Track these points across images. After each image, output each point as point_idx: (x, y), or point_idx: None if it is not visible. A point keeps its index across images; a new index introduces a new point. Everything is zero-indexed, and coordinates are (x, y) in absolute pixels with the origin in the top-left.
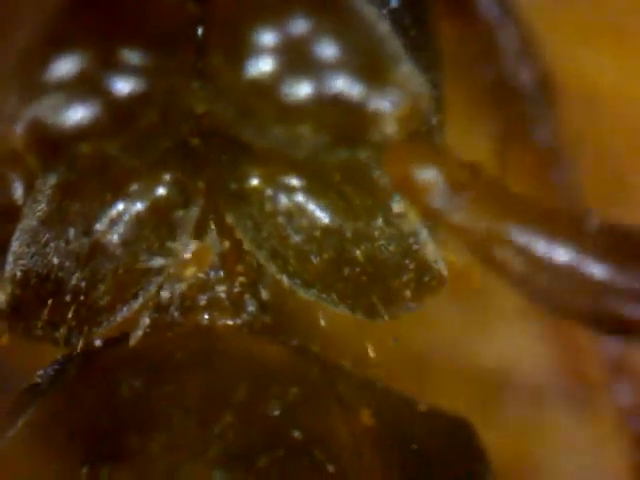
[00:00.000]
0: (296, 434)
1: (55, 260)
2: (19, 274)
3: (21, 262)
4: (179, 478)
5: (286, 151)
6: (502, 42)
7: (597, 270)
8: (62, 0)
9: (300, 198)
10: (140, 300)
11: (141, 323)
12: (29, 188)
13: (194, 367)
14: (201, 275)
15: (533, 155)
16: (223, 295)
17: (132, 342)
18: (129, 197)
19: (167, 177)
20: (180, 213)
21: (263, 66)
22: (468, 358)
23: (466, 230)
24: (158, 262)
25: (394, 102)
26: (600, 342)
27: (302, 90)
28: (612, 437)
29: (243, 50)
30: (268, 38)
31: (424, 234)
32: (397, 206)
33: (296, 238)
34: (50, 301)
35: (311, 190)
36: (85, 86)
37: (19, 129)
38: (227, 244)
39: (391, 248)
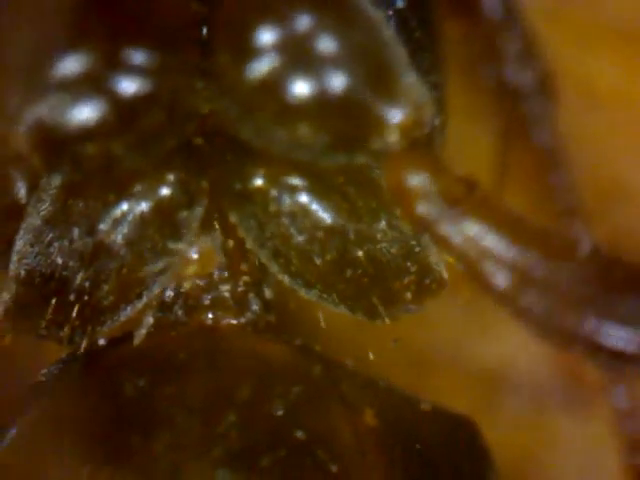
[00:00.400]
0: (299, 434)
1: (59, 259)
2: (23, 273)
3: (25, 261)
4: (182, 477)
5: (285, 153)
6: (505, 43)
7: (582, 295)
8: (67, 0)
9: (304, 199)
10: (144, 300)
11: (145, 322)
12: (33, 187)
13: (198, 366)
14: (205, 275)
15: (533, 156)
16: (227, 294)
17: (136, 341)
18: (133, 197)
19: (171, 177)
20: (184, 213)
21: (268, 65)
22: (469, 358)
23: (454, 242)
24: (162, 262)
25: (398, 112)
26: None
27: (305, 90)
28: (612, 436)
29: (249, 49)
30: (273, 37)
31: (426, 237)
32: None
33: (299, 238)
34: (54, 300)
35: (315, 191)
36: (89, 86)
37: (23, 129)
38: (231, 244)
39: (393, 250)
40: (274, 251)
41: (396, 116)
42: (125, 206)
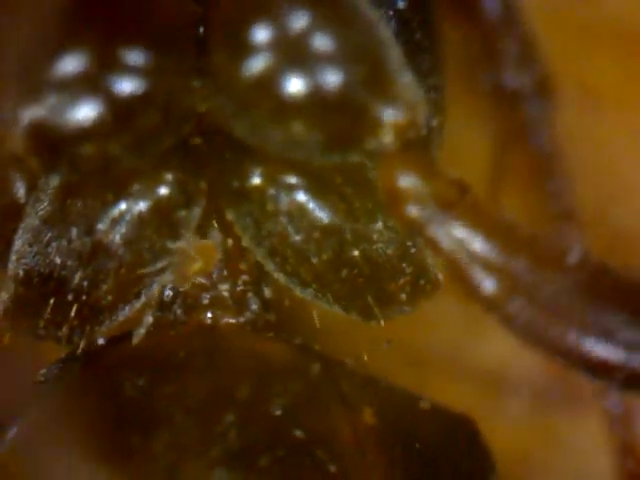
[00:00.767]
0: (298, 433)
1: (57, 259)
2: (22, 273)
3: (24, 261)
4: (181, 477)
5: (280, 151)
6: (504, 45)
7: (569, 304)
8: (62, 0)
9: (301, 198)
10: (143, 299)
11: (144, 322)
12: (32, 188)
13: (197, 366)
14: (205, 274)
15: (530, 159)
16: (226, 294)
17: (135, 341)
18: (131, 197)
19: (169, 177)
20: (182, 212)
21: (264, 63)
22: (468, 359)
23: (443, 246)
24: (160, 262)
25: (393, 112)
26: None
27: (300, 88)
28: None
29: (245, 47)
30: (270, 35)
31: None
32: None
33: (295, 237)
34: (52, 300)
35: (312, 190)
36: (86, 86)
37: (20, 130)
38: (230, 243)
39: (389, 251)
40: (270, 250)
41: (391, 116)
42: (123, 206)
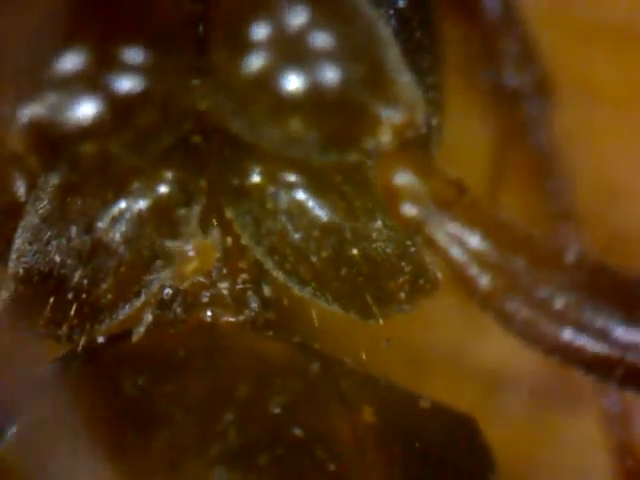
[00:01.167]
0: (297, 432)
1: (57, 258)
2: (22, 272)
3: (24, 259)
4: (180, 475)
5: (277, 149)
6: (504, 45)
7: (566, 303)
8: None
9: (301, 196)
10: (142, 298)
11: (144, 320)
12: (32, 186)
13: (196, 364)
14: (204, 272)
15: (529, 158)
16: (225, 292)
17: (134, 339)
18: (131, 195)
19: (169, 175)
20: (182, 211)
21: (265, 60)
22: (468, 358)
23: (441, 245)
24: (160, 260)
25: (392, 112)
26: None
27: (299, 85)
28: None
29: (246, 44)
30: (270, 33)
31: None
32: None
33: (295, 235)
34: (52, 298)
35: (312, 189)
36: (85, 85)
37: (19, 129)
38: (229, 241)
39: (388, 250)
40: (270, 248)
41: (390, 116)
42: (123, 204)
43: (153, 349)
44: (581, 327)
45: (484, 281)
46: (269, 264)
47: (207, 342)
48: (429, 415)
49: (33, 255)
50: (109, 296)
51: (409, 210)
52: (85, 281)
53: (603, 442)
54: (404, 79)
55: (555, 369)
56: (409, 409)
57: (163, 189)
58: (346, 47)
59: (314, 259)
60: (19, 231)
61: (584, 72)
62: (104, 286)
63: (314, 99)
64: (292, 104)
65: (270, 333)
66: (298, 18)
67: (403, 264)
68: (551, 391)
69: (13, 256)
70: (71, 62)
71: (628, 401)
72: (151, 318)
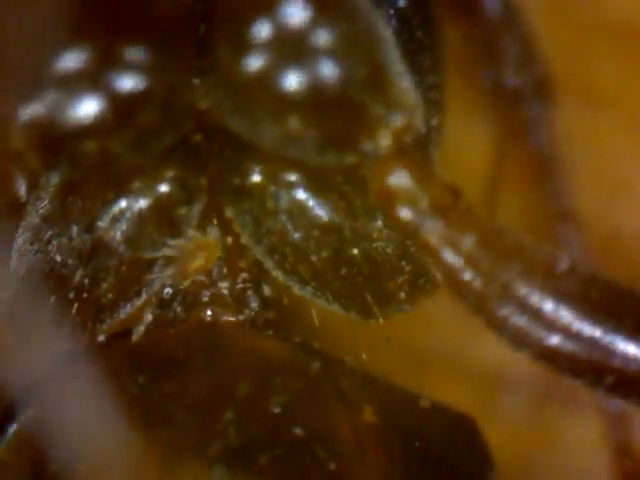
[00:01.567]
0: (298, 431)
1: (58, 257)
2: (23, 271)
3: (25, 259)
4: (181, 475)
5: (275, 147)
6: (504, 44)
7: (557, 311)
8: None
9: (301, 196)
10: (143, 297)
11: (144, 319)
12: (32, 186)
13: (196, 363)
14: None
15: (530, 158)
16: (226, 291)
17: (134, 338)
18: (132, 194)
19: (170, 174)
20: (183, 210)
21: (267, 58)
22: (468, 358)
23: (435, 250)
24: (161, 259)
25: (393, 115)
26: None
27: (300, 84)
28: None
29: (248, 44)
30: (272, 32)
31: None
32: None
33: (295, 235)
34: (53, 298)
35: (312, 188)
36: (86, 83)
37: (19, 128)
38: (229, 240)
39: (388, 249)
40: (270, 247)
41: (391, 120)
42: (123, 203)
43: (153, 348)
44: (571, 335)
45: (477, 287)
46: (269, 263)
47: (207, 341)
48: (429, 415)
49: (34, 254)
50: (110, 295)
51: (404, 214)
52: (86, 280)
53: (602, 442)
54: (404, 82)
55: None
56: (409, 409)
57: (164, 188)
58: (349, 47)
59: (314, 259)
60: (20, 230)
61: (584, 72)
62: (105, 285)
63: (315, 99)
64: (292, 103)
65: (270, 332)
66: (300, 17)
67: (403, 264)
68: (550, 391)
69: (14, 256)
70: (72, 60)
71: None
72: (151, 317)
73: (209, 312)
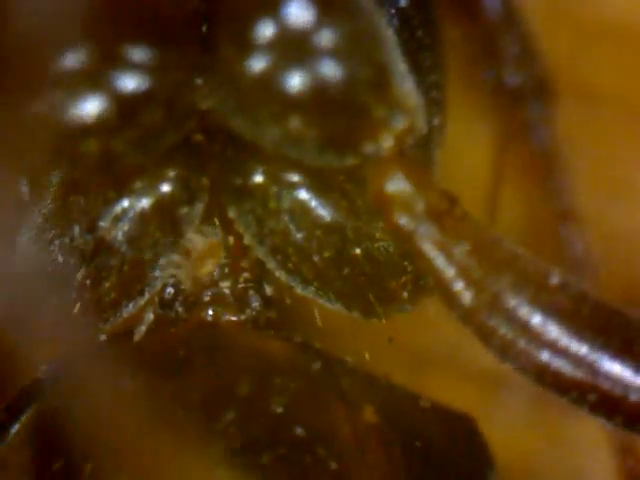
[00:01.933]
0: (299, 431)
1: (60, 257)
2: (24, 271)
3: (27, 259)
4: (182, 475)
5: (276, 147)
6: (504, 43)
7: (545, 325)
8: None
9: (303, 196)
10: (145, 297)
11: (145, 319)
12: (34, 185)
13: (198, 363)
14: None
15: (530, 158)
16: (227, 291)
17: (136, 338)
18: (134, 194)
19: (172, 174)
20: (184, 210)
21: (271, 58)
22: (468, 358)
23: (428, 256)
24: (163, 259)
25: (396, 118)
26: None
27: (302, 83)
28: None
29: (251, 44)
30: (276, 32)
31: None
32: None
33: (297, 235)
34: (55, 298)
35: (314, 188)
36: (89, 83)
37: (22, 127)
38: (231, 240)
39: (390, 249)
40: (272, 247)
41: (393, 121)
42: (126, 203)
43: (154, 348)
44: (557, 351)
45: (467, 297)
46: (271, 263)
47: (208, 341)
48: (429, 415)
49: (36, 254)
50: (112, 295)
51: (400, 219)
52: (88, 280)
53: (603, 442)
54: (407, 83)
55: None
56: (410, 409)
57: (165, 188)
58: (352, 48)
59: (316, 258)
60: (22, 230)
61: (584, 72)
62: (107, 285)
63: (317, 99)
64: (295, 104)
65: (272, 332)
66: (303, 18)
67: (405, 263)
68: (551, 394)
69: (16, 255)
70: (75, 59)
71: None
72: (152, 317)
73: (210, 312)
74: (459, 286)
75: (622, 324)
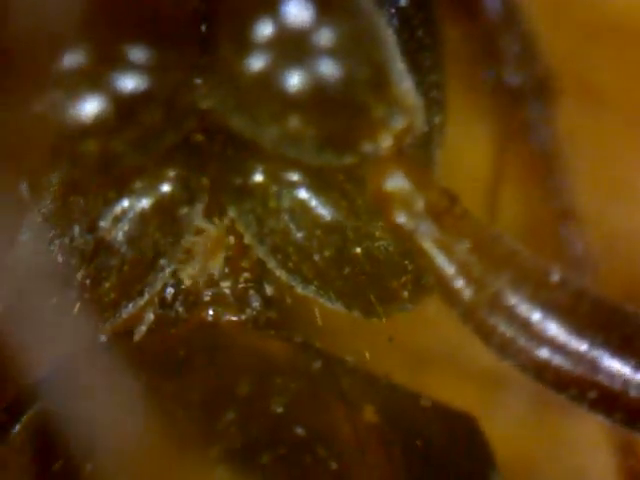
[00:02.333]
0: (299, 431)
1: (60, 257)
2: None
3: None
4: (182, 475)
5: (275, 147)
6: (505, 43)
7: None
8: None
9: (303, 195)
10: (146, 297)
11: (145, 319)
12: (35, 185)
13: (198, 363)
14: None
15: (531, 157)
16: (227, 291)
17: (136, 338)
18: (134, 194)
19: (172, 173)
20: (184, 210)
21: (270, 57)
22: (467, 358)
23: (428, 254)
24: (163, 259)
25: (395, 117)
26: None
27: (302, 83)
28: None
29: (250, 43)
30: (275, 31)
31: None
32: None
33: (297, 234)
34: (55, 298)
35: (314, 188)
36: (89, 83)
37: (22, 127)
38: (231, 240)
39: (391, 248)
40: (272, 247)
41: (392, 121)
42: (125, 203)
43: (154, 348)
44: (557, 348)
45: (467, 294)
46: (272, 263)
47: (208, 341)
48: (430, 414)
49: (36, 255)
50: (112, 295)
51: (400, 218)
52: (88, 280)
53: (604, 441)
54: (406, 83)
55: None
56: (410, 408)
57: (165, 188)
58: (351, 47)
59: (317, 258)
60: (22, 230)
61: (584, 72)
62: (107, 285)
63: (316, 99)
64: (294, 103)
65: (272, 332)
66: (302, 17)
67: (406, 263)
68: (550, 391)
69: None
70: (75, 60)
71: None
72: (152, 317)
73: (211, 312)
74: (459, 284)
75: (622, 321)
